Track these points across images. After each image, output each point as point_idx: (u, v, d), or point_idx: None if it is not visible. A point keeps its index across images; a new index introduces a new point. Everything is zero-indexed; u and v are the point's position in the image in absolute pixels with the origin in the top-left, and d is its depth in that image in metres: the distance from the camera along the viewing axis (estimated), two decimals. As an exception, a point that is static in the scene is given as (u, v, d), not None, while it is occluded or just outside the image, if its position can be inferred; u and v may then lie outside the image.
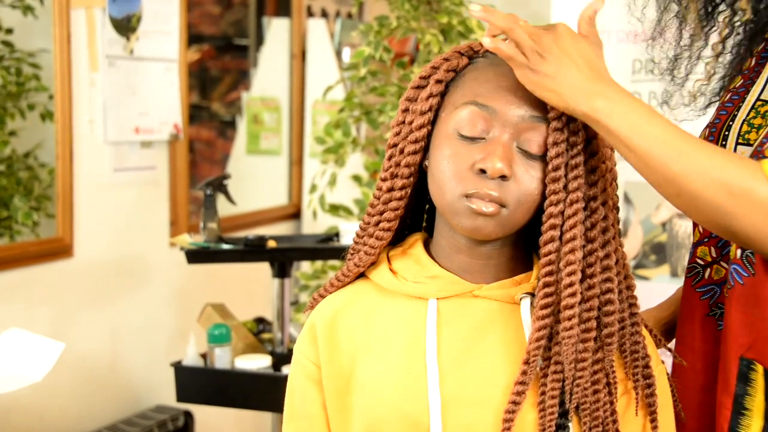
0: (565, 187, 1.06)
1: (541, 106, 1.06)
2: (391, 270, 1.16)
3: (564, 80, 1.02)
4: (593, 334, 1.06)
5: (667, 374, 1.19)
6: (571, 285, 1.05)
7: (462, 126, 1.07)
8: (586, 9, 1.08)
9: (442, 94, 1.12)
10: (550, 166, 1.06)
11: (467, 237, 1.11)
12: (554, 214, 1.05)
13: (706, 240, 1.26)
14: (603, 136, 1.05)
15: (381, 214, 1.16)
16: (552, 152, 1.05)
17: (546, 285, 1.06)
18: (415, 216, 1.23)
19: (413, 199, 1.18)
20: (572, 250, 1.05)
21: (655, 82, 2.56)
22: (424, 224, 1.23)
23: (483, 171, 1.05)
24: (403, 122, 1.14)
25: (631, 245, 2.79)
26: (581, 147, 1.07)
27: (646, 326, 1.17)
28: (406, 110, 1.15)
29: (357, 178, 3.31)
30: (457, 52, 1.13)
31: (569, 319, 1.04)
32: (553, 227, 1.05)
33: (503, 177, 1.05)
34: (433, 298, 1.12)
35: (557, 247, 1.06)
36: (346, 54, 4.15)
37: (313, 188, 3.36)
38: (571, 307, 1.04)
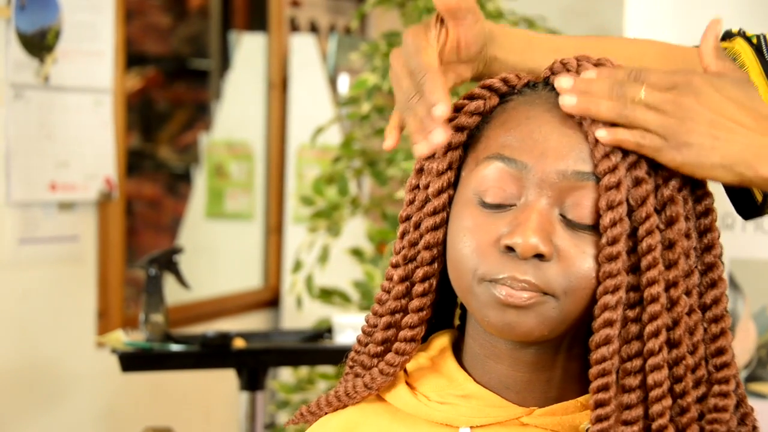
0: (637, 269, 1.06)
1: (590, 159, 1.06)
2: (407, 384, 1.16)
3: (729, 146, 1.03)
4: None
5: None
6: (661, 414, 1.04)
7: (484, 189, 1.08)
8: (706, 39, 1.09)
9: (465, 146, 1.13)
10: (604, 239, 1.05)
11: (505, 339, 1.10)
12: (611, 306, 1.04)
13: None
14: None
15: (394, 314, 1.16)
16: (606, 219, 1.05)
17: (599, 404, 1.05)
18: (444, 304, 1.21)
19: (440, 289, 1.17)
20: (656, 368, 1.04)
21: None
22: (457, 322, 1.22)
23: (510, 248, 1.05)
24: (418, 186, 1.15)
25: (741, 349, 2.74)
26: (650, 211, 1.06)
27: None
28: (420, 170, 1.15)
29: (357, 253, 3.32)
30: (486, 88, 1.14)
31: None
32: (608, 323, 1.05)
33: (540, 256, 1.04)
34: (465, 426, 1.11)
35: (614, 352, 1.05)
36: (344, 83, 4.23)
37: (298, 266, 3.37)
38: None
